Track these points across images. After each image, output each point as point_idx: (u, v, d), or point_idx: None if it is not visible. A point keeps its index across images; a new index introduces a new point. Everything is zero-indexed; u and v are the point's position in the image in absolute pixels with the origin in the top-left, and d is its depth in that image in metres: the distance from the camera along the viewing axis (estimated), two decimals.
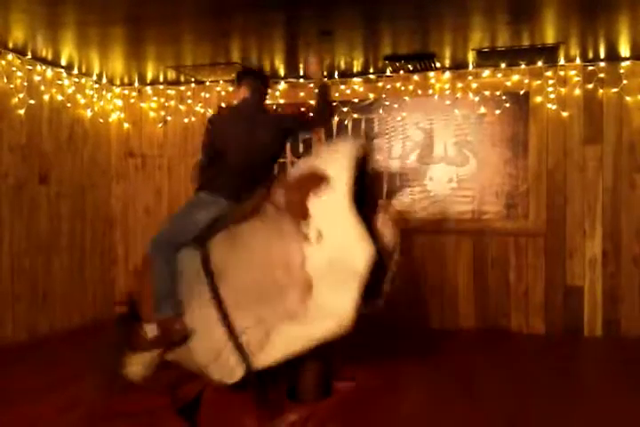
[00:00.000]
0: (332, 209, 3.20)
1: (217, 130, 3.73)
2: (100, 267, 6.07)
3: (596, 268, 5.22)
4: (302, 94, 5.72)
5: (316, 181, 3.28)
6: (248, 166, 3.62)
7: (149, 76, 5.83)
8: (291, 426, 3.10)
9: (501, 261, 5.42)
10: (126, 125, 6.27)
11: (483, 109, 5.44)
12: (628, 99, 5.12)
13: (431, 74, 5.53)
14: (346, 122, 5.70)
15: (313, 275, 3.17)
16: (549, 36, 4.56)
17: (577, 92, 5.24)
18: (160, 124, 6.19)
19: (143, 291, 3.58)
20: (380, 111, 5.66)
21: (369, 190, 3.58)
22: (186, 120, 6.12)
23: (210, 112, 6.04)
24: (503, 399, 3.55)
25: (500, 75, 5.39)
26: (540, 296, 5.34)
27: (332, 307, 3.08)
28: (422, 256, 5.56)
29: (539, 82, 5.32)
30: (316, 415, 3.20)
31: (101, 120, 6.09)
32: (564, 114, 5.26)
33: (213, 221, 3.54)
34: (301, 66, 5.27)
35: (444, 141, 5.53)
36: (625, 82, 5.12)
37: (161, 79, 5.97)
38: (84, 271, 5.86)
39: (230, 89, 4.01)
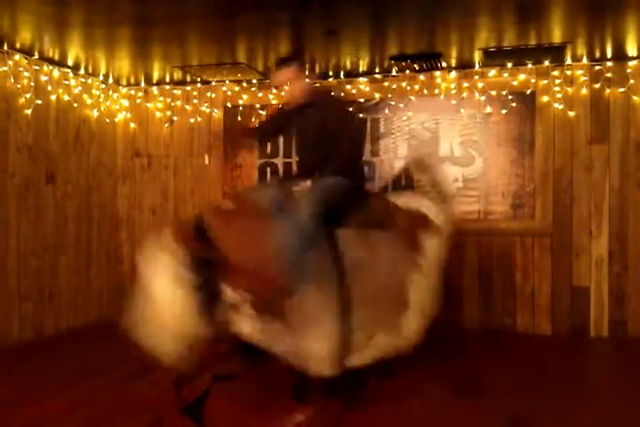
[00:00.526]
0: (434, 254, 3.76)
1: None
2: (106, 266, 6.09)
3: (603, 268, 5.20)
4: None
5: (425, 225, 3.76)
6: None
7: (156, 76, 5.85)
8: (296, 426, 3.10)
9: (507, 261, 5.41)
10: (132, 125, 6.28)
11: (489, 109, 5.42)
12: (635, 98, 5.10)
13: (437, 73, 5.52)
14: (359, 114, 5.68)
15: (411, 299, 3.63)
16: (556, 36, 4.54)
17: (584, 91, 5.23)
18: (166, 125, 6.20)
19: (248, 250, 3.23)
20: (386, 111, 5.65)
21: None
22: (192, 120, 6.13)
23: (216, 112, 6.05)
24: (509, 400, 3.54)
25: (506, 74, 5.37)
26: (546, 296, 5.33)
27: (411, 330, 3.60)
28: None
29: (545, 81, 5.30)
30: (321, 416, 3.20)
31: (108, 120, 6.11)
32: (571, 113, 5.25)
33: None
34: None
35: (450, 141, 5.53)
36: (632, 81, 5.10)
37: (167, 79, 5.98)
38: (91, 271, 5.87)
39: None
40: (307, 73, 3.92)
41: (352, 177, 3.71)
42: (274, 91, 5.88)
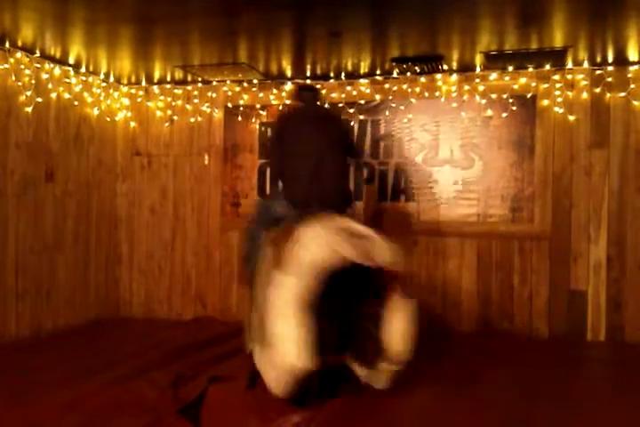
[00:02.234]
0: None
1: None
2: (104, 265, 6.09)
3: (601, 272, 5.21)
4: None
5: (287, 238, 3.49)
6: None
7: (157, 75, 5.85)
8: None
9: (505, 264, 5.42)
10: (133, 124, 6.28)
11: (489, 112, 5.43)
12: (635, 103, 5.11)
13: (438, 76, 5.52)
14: (352, 123, 5.70)
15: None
16: (558, 40, 4.55)
17: (584, 95, 5.23)
18: (167, 124, 6.20)
19: None
20: (387, 113, 5.66)
21: None
22: (192, 120, 6.13)
23: (216, 112, 6.06)
24: (505, 404, 3.54)
25: (507, 78, 5.38)
26: (543, 300, 5.33)
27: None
28: (426, 259, 5.56)
29: (546, 85, 5.31)
30: (318, 417, 3.20)
31: (108, 119, 6.10)
32: (571, 118, 5.25)
33: None
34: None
35: (450, 144, 5.53)
36: (633, 86, 5.10)
37: (168, 79, 5.98)
38: (89, 269, 5.87)
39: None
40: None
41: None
42: (274, 91, 5.88)
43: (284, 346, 3.16)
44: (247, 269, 4.01)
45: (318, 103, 4.56)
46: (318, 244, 3.28)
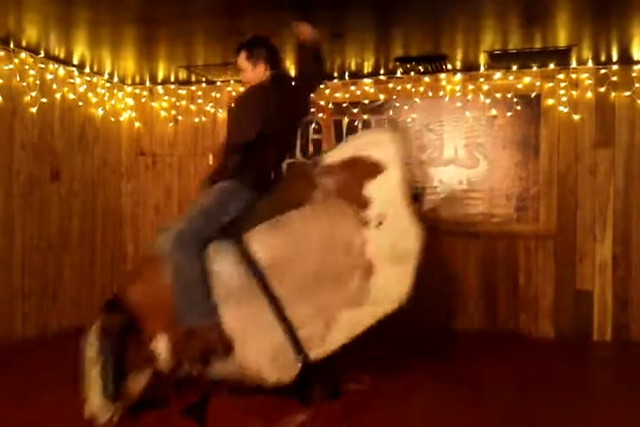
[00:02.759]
0: (388, 195, 3.36)
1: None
2: (109, 265, 6.10)
3: (606, 272, 5.19)
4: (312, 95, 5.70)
5: (369, 168, 3.37)
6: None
7: (161, 75, 5.86)
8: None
9: (511, 264, 5.40)
10: (137, 124, 6.30)
11: (494, 112, 5.42)
12: None
13: (442, 75, 5.52)
14: (356, 123, 5.70)
15: (375, 258, 3.30)
16: (562, 39, 4.54)
17: (589, 95, 5.21)
18: (171, 124, 6.21)
19: (151, 299, 3.24)
20: (391, 112, 5.65)
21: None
22: (196, 120, 6.14)
23: (220, 112, 6.06)
24: (511, 403, 3.53)
25: (511, 77, 5.37)
26: (549, 300, 5.32)
27: (393, 289, 3.28)
28: (431, 258, 5.53)
29: (550, 84, 5.30)
30: (322, 417, 3.20)
31: (112, 119, 6.12)
32: (576, 117, 5.24)
33: (242, 211, 3.33)
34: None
35: (455, 143, 5.52)
36: (637, 85, 5.08)
37: (172, 79, 5.99)
38: (94, 269, 5.89)
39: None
40: (264, 62, 3.54)
41: (245, 170, 3.32)
42: None
43: None
44: None
45: None
46: None
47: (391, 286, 3.29)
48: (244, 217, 3.34)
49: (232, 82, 5.97)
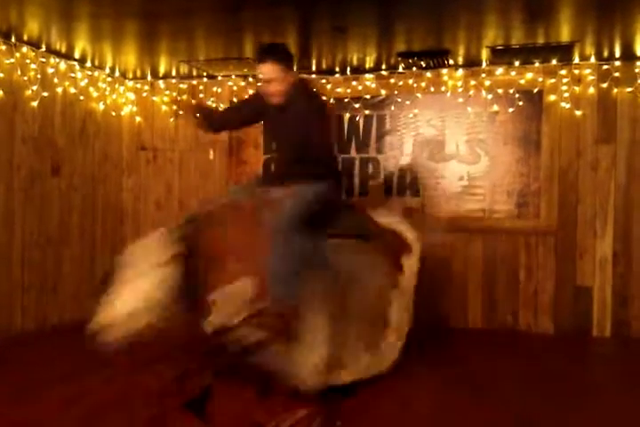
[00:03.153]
0: (412, 271, 3.81)
1: None
2: (110, 260, 6.09)
3: (607, 268, 5.19)
4: (314, 90, 5.69)
5: (406, 246, 3.80)
6: None
7: (162, 69, 5.84)
8: (299, 421, 3.11)
9: (511, 259, 5.41)
10: (138, 119, 6.28)
11: (495, 107, 5.41)
12: None
13: (444, 71, 5.50)
14: (357, 118, 5.69)
15: (392, 319, 3.60)
16: (564, 35, 4.53)
17: (591, 90, 5.21)
18: (172, 118, 6.20)
19: (235, 246, 3.08)
20: (392, 108, 5.64)
21: None
22: (197, 114, 6.10)
23: (222, 107, 6.05)
24: (510, 400, 3.54)
25: (513, 73, 5.36)
26: (549, 296, 5.32)
27: (392, 351, 3.61)
28: (432, 254, 5.53)
29: (553, 80, 5.29)
30: (324, 411, 3.20)
31: (114, 113, 6.11)
32: (578, 113, 5.23)
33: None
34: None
35: (456, 139, 5.51)
36: None
37: (173, 73, 5.98)
38: (94, 264, 5.88)
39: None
40: (293, 68, 3.47)
41: (329, 179, 3.41)
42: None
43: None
44: None
45: None
46: None
47: (392, 349, 3.63)
48: (325, 222, 3.39)
49: (233, 77, 5.96)
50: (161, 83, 6.21)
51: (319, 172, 3.37)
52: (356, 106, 5.68)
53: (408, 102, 5.60)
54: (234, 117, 3.82)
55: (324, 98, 3.99)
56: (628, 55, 4.98)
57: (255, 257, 3.08)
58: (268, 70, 3.31)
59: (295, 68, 3.67)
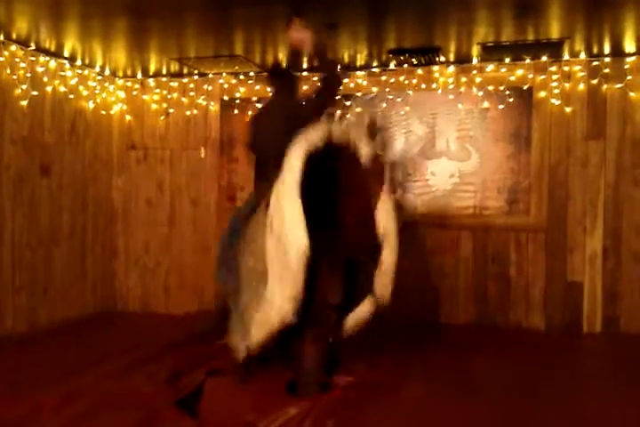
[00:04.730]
0: (279, 200, 3.22)
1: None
2: (100, 259, 6.08)
3: (597, 264, 5.22)
4: (306, 87, 5.69)
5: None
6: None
7: (152, 68, 5.82)
8: (290, 420, 3.11)
9: (502, 256, 5.42)
10: (128, 118, 6.25)
11: (486, 104, 5.42)
12: (632, 95, 5.11)
13: (435, 68, 5.51)
14: (349, 115, 5.69)
15: (267, 265, 3.25)
16: (554, 31, 4.54)
17: (581, 87, 5.23)
18: (162, 117, 6.17)
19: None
20: (384, 105, 5.64)
21: (348, 175, 3.52)
22: (188, 113, 6.10)
23: (212, 105, 6.04)
24: (500, 396, 3.55)
25: (504, 69, 5.37)
26: (539, 292, 5.34)
27: (274, 299, 3.19)
28: (423, 250, 5.56)
29: (543, 77, 5.31)
30: (315, 410, 3.21)
31: (104, 112, 6.08)
32: (568, 109, 5.25)
33: None
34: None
35: (447, 136, 5.52)
36: (629, 77, 5.10)
37: (164, 71, 5.95)
38: (85, 263, 5.86)
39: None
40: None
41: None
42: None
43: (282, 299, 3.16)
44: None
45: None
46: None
47: (274, 297, 3.31)
48: None
49: (224, 74, 5.94)
50: (151, 81, 6.18)
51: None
52: (348, 103, 5.68)
53: (399, 99, 5.60)
54: None
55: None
56: (618, 52, 5.01)
57: None
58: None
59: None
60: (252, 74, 5.87)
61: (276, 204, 3.22)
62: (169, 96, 6.14)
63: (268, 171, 3.58)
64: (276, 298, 3.17)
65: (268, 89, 3.99)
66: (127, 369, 3.87)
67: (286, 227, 3.13)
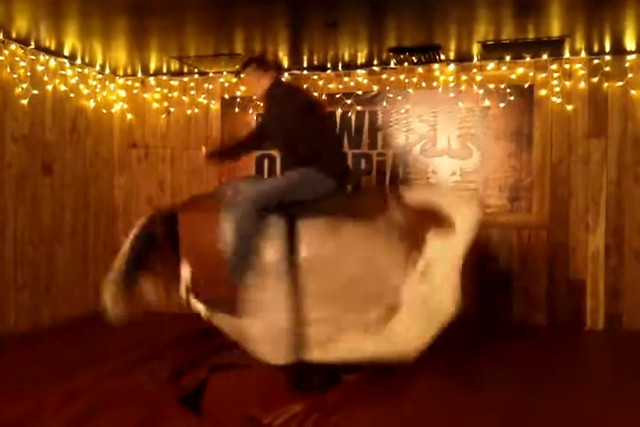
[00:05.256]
0: (446, 254, 3.42)
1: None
2: (102, 257, 6.07)
3: (599, 261, 5.22)
4: (306, 86, 5.69)
5: (440, 221, 3.48)
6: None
7: (153, 66, 5.82)
8: (294, 416, 3.11)
9: (504, 254, 5.42)
10: (129, 116, 6.26)
11: (487, 102, 5.42)
12: (633, 92, 5.10)
13: (435, 66, 5.50)
14: (349, 114, 5.69)
15: (403, 302, 3.39)
16: (555, 29, 4.54)
17: (582, 85, 5.22)
18: (163, 116, 6.18)
19: (199, 232, 3.52)
20: (384, 104, 5.64)
21: None
22: (189, 111, 6.10)
23: (213, 104, 6.03)
24: (503, 393, 3.55)
25: (504, 67, 5.37)
26: (542, 289, 5.34)
27: (404, 338, 3.38)
28: None
29: (543, 75, 5.30)
30: (319, 407, 3.21)
31: (104, 111, 6.08)
32: (569, 107, 5.25)
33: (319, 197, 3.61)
34: None
35: (448, 134, 5.52)
36: (630, 75, 5.10)
37: (164, 70, 5.95)
38: (87, 261, 5.87)
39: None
40: (268, 70, 3.94)
41: (323, 166, 3.65)
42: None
43: None
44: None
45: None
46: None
47: (405, 336, 3.39)
48: (315, 205, 3.56)
49: (224, 73, 5.94)
50: (152, 80, 6.18)
51: (297, 159, 3.68)
52: (348, 102, 5.68)
53: (400, 98, 5.60)
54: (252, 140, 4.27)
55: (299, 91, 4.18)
56: (619, 49, 5.00)
57: None
58: (244, 77, 4.04)
59: (271, 71, 3.98)
60: None
61: (442, 257, 3.41)
62: (169, 95, 6.14)
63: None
64: (404, 343, 3.38)
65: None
66: (129, 367, 3.88)
67: (449, 286, 3.37)
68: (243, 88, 5.93)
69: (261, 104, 4.26)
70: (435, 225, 3.47)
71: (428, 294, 3.38)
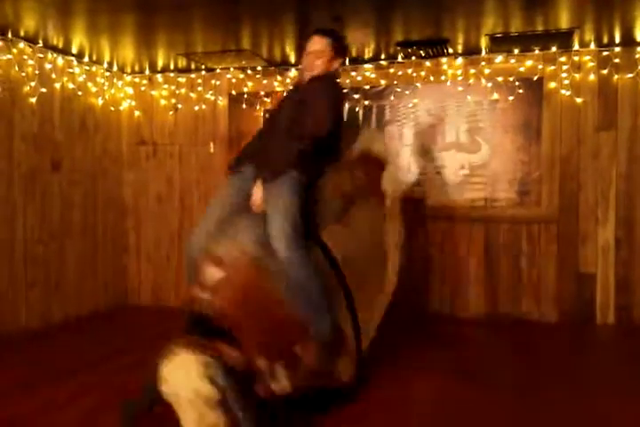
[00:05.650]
0: (393, 187, 3.61)
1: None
2: (111, 254, 6.11)
3: (609, 255, 5.19)
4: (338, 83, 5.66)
5: (378, 162, 3.60)
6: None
7: (160, 63, 5.82)
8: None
9: (513, 248, 5.40)
10: (137, 113, 6.27)
11: (495, 95, 5.39)
12: None
13: (443, 60, 5.48)
14: (357, 109, 5.67)
15: (388, 248, 3.56)
16: (564, 22, 4.50)
17: (591, 77, 5.18)
18: (171, 112, 6.18)
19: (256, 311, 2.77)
20: (392, 98, 5.62)
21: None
22: (196, 108, 6.11)
23: (221, 100, 6.03)
24: (514, 387, 3.55)
25: (513, 60, 5.33)
26: (552, 283, 5.32)
27: (392, 276, 3.55)
28: (434, 243, 5.55)
29: (553, 67, 5.26)
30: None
31: (112, 108, 6.09)
32: (578, 100, 5.21)
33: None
34: None
35: (457, 128, 5.50)
36: None
37: (172, 67, 5.96)
38: (97, 259, 5.89)
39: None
40: (344, 57, 3.57)
41: (305, 169, 3.09)
42: (278, 77, 5.85)
43: None
44: None
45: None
46: None
47: (392, 272, 3.57)
48: (313, 210, 3.21)
49: (232, 69, 5.93)
50: (159, 77, 6.18)
51: (294, 155, 3.06)
52: (356, 96, 5.67)
53: (408, 92, 5.58)
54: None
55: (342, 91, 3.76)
56: (628, 41, 4.96)
57: None
58: (319, 42, 3.40)
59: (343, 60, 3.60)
60: (259, 68, 5.86)
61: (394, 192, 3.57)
62: (177, 91, 6.14)
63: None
64: (393, 277, 3.55)
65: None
66: (139, 364, 3.89)
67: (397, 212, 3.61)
68: (250, 84, 5.92)
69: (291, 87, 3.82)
70: (379, 168, 3.57)
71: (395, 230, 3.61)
